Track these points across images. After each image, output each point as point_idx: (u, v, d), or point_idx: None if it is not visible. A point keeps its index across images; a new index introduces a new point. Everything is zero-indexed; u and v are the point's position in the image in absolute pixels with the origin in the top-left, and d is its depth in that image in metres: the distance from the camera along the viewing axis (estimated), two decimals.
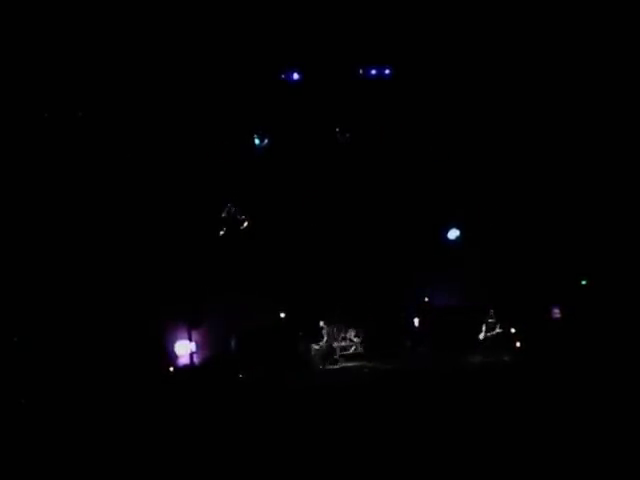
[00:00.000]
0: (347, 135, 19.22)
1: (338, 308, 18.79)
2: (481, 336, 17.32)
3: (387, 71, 18.51)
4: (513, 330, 17.54)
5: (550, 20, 16.40)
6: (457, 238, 19.35)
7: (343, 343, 18.35)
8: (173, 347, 17.07)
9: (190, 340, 17.31)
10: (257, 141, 18.80)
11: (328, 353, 17.96)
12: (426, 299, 19.53)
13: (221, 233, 18.32)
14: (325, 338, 18.07)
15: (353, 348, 18.42)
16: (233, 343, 18.25)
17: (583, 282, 18.11)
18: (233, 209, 18.47)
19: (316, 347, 17.94)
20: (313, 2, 16.02)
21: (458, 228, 19.28)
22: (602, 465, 7.90)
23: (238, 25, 16.11)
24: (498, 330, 17.26)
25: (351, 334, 18.61)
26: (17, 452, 9.69)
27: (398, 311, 19.34)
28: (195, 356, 17.38)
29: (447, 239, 19.31)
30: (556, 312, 18.00)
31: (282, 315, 19.08)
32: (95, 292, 15.81)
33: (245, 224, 18.59)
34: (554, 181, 17.89)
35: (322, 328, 18.11)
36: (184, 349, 17.21)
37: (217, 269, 17.93)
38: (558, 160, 17.70)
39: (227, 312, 17.83)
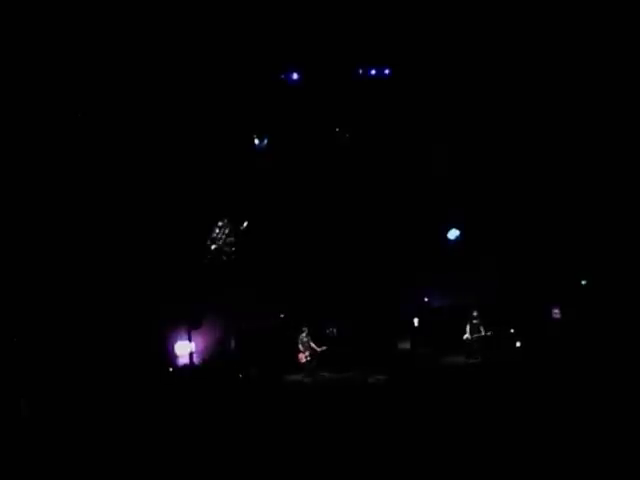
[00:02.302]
0: (347, 135, 19.25)
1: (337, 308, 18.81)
2: (465, 337, 17.24)
3: (386, 71, 18.53)
4: (512, 330, 17.51)
5: (550, 20, 16.40)
6: (457, 238, 19.37)
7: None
8: (173, 347, 17.09)
9: (190, 340, 17.32)
10: (257, 141, 18.86)
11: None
12: (425, 299, 19.55)
13: (219, 232, 18.32)
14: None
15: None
16: (232, 343, 18.27)
17: (583, 282, 18.13)
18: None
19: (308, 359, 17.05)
20: (313, 2, 16.01)
21: (458, 228, 19.30)
22: (602, 464, 7.91)
23: (238, 25, 16.09)
24: (485, 333, 17.02)
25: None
26: (17, 452, 9.68)
27: (397, 312, 19.33)
28: (195, 356, 17.39)
29: (447, 239, 19.33)
30: (556, 312, 18.00)
31: (281, 316, 19.11)
32: (96, 293, 15.80)
33: (245, 224, 18.62)
34: (554, 182, 17.91)
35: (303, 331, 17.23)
36: (184, 349, 17.23)
37: (217, 270, 17.94)
38: (558, 161, 17.72)
39: (227, 313, 17.85)
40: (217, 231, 18.28)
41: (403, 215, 18.80)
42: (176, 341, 17.19)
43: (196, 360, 17.40)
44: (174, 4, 15.41)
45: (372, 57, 18.04)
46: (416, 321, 19.25)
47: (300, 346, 16.99)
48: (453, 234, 19.32)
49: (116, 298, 15.99)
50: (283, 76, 18.25)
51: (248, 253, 18.36)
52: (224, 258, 18.24)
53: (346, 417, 11.06)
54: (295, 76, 18.25)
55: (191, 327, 17.39)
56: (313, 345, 17.00)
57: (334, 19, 16.29)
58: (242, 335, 18.34)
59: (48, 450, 9.80)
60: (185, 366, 17.01)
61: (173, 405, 12.76)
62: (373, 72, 18.46)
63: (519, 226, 18.53)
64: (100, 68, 15.72)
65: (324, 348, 17.12)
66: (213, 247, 18.21)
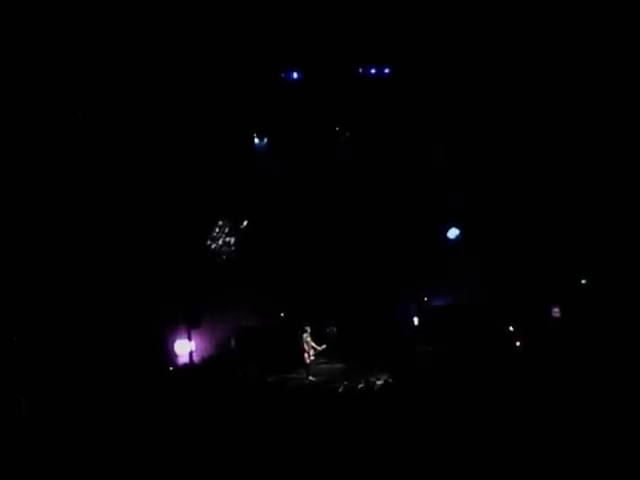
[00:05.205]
0: (347, 134, 19.26)
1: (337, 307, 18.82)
2: None
3: (386, 70, 18.54)
4: (512, 329, 17.49)
5: (550, 20, 16.39)
6: (457, 237, 19.37)
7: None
8: (173, 346, 17.08)
9: (190, 340, 17.32)
10: (257, 140, 18.89)
11: None
12: (425, 299, 19.53)
13: (219, 232, 18.33)
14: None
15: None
16: (233, 342, 18.27)
17: (583, 282, 18.11)
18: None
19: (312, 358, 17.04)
20: (313, 2, 16.01)
21: (458, 227, 19.30)
22: (602, 465, 7.90)
23: (238, 25, 16.10)
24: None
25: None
26: (17, 452, 9.67)
27: (397, 311, 19.33)
28: (194, 355, 17.39)
29: (447, 238, 19.33)
30: (556, 312, 17.98)
31: (281, 315, 19.11)
32: (95, 292, 15.80)
33: (245, 223, 18.63)
34: (554, 181, 17.90)
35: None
36: (184, 348, 17.22)
37: (216, 269, 17.94)
38: (558, 160, 17.71)
39: (227, 312, 17.85)
40: (217, 230, 18.30)
41: (403, 214, 18.79)
42: (176, 340, 17.19)
43: (196, 359, 17.39)
44: (174, 4, 15.41)
45: (372, 56, 18.04)
46: (416, 321, 19.26)
47: (305, 346, 16.90)
48: (453, 233, 19.32)
49: (116, 297, 15.99)
50: (283, 75, 18.25)
51: (248, 252, 18.37)
52: (224, 257, 18.26)
53: (347, 417, 11.05)
54: (295, 75, 18.25)
55: (191, 326, 17.39)
56: (313, 344, 16.98)
57: (334, 19, 16.29)
58: (242, 334, 18.34)
59: (48, 450, 9.79)
60: (185, 365, 17.01)
61: (173, 404, 12.74)
62: (373, 71, 18.47)
63: (519, 225, 18.52)
64: (100, 68, 15.72)
65: (324, 347, 17.11)
66: (213, 246, 18.23)
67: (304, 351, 16.80)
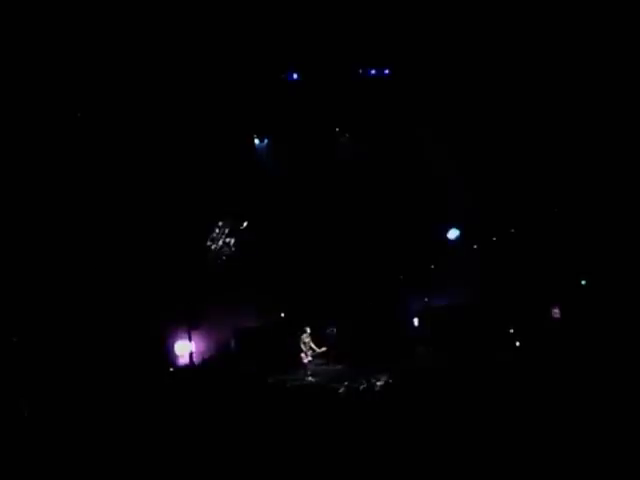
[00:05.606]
0: (346, 135, 19.28)
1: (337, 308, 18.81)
2: None
3: (386, 71, 18.56)
4: (512, 330, 17.49)
5: (549, 20, 16.40)
6: (457, 237, 19.38)
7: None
8: (173, 347, 17.10)
9: (190, 340, 17.33)
10: (257, 141, 18.92)
11: None
12: (425, 299, 19.54)
13: (219, 232, 18.35)
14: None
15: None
16: (232, 342, 18.28)
17: (583, 282, 18.11)
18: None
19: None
20: (313, 2, 16.02)
21: (458, 227, 19.30)
22: (602, 465, 7.90)
23: (238, 26, 16.10)
24: None
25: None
26: (17, 452, 9.67)
27: (396, 311, 19.34)
28: (195, 356, 17.40)
29: (447, 238, 19.34)
30: (556, 312, 17.98)
31: (282, 315, 19.11)
32: (96, 293, 15.80)
33: (245, 224, 18.65)
34: (554, 181, 17.91)
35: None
36: (184, 349, 17.23)
37: (217, 270, 17.95)
38: (558, 160, 17.71)
39: (227, 312, 17.85)
40: (217, 231, 18.31)
41: (403, 215, 18.80)
42: (176, 341, 17.21)
43: (196, 360, 17.41)
44: (174, 4, 15.41)
45: (372, 57, 18.05)
46: (416, 321, 19.26)
47: (302, 346, 16.86)
48: (453, 234, 19.33)
49: (116, 298, 15.99)
50: (283, 76, 18.26)
51: (248, 252, 18.38)
52: (224, 258, 18.28)
53: (347, 417, 11.05)
54: (295, 76, 18.26)
55: (191, 327, 17.41)
56: (313, 346, 16.94)
57: (334, 20, 16.29)
58: (242, 334, 18.35)
59: (48, 450, 9.78)
60: (186, 366, 17.02)
61: (173, 405, 12.74)
62: (373, 72, 18.48)
63: (519, 226, 18.53)
64: (100, 68, 15.73)
65: (324, 349, 17.10)
66: (213, 247, 18.24)
67: (301, 351, 16.82)
